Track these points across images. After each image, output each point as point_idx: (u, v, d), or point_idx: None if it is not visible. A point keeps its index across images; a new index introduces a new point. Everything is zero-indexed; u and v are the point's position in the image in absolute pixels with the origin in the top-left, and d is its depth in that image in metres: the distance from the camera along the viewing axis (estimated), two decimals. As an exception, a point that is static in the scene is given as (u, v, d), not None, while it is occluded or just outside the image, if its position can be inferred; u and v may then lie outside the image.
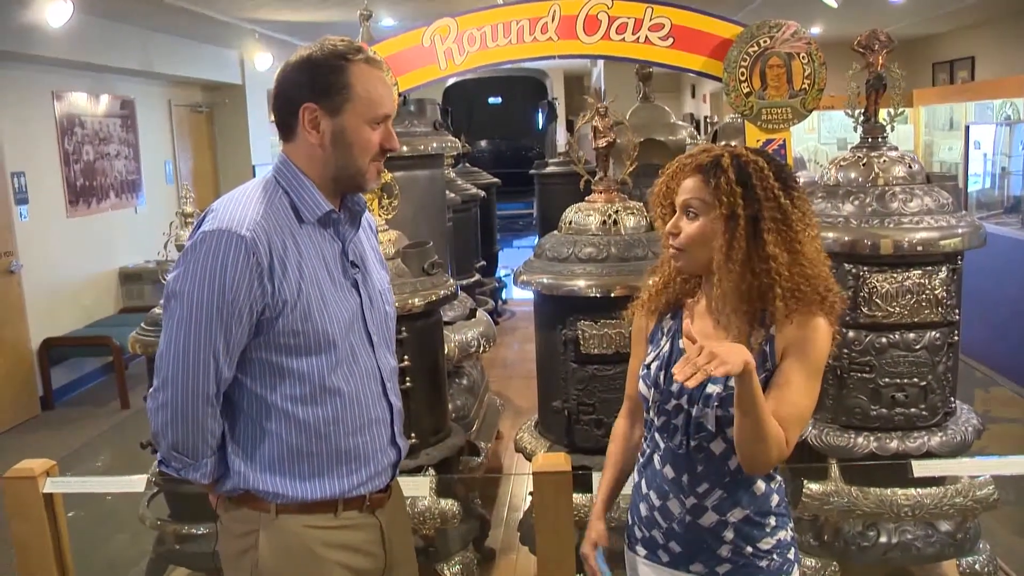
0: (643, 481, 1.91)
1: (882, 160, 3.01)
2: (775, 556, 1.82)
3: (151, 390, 1.79)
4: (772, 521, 1.82)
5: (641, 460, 1.95)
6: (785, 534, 1.85)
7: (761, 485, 1.81)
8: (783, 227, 1.74)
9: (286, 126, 1.81)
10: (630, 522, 1.96)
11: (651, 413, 1.88)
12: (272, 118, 1.87)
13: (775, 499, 1.84)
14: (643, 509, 1.90)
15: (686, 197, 1.79)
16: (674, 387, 1.81)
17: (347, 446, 1.84)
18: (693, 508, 1.81)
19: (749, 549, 1.80)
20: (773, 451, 1.67)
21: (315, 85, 1.75)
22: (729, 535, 1.80)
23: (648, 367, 1.89)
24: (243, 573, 1.85)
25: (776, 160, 1.82)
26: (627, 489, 2.06)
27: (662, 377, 1.84)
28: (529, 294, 3.26)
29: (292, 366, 1.77)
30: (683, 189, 1.80)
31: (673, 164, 1.87)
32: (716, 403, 1.75)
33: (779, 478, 1.86)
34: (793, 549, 1.87)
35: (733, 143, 3.88)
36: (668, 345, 1.87)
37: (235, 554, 1.87)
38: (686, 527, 1.82)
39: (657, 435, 1.88)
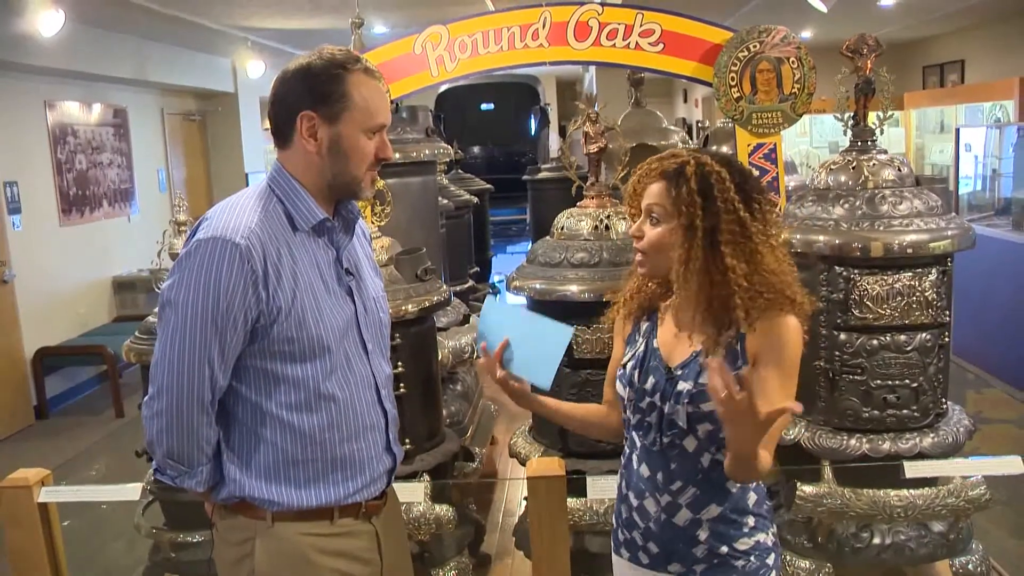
0: (623, 482, 1.93)
1: (871, 163, 3.03)
2: (752, 558, 1.81)
3: (146, 398, 1.79)
4: (750, 521, 1.82)
5: (622, 461, 1.96)
6: (765, 537, 1.84)
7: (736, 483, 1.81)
8: (741, 239, 1.74)
9: (282, 134, 1.82)
10: (614, 525, 1.97)
11: (628, 412, 1.90)
12: (266, 126, 1.88)
13: (752, 497, 1.83)
14: (623, 511, 1.92)
15: (650, 202, 1.81)
16: (648, 384, 1.84)
17: (342, 453, 1.85)
18: (668, 506, 1.82)
19: (724, 549, 1.80)
20: (761, 472, 1.70)
21: (313, 93, 1.76)
22: (703, 535, 1.80)
23: (624, 367, 1.91)
24: (241, 581, 1.86)
25: (741, 170, 1.82)
26: (613, 493, 2.07)
27: (636, 375, 1.86)
28: (522, 299, 3.28)
29: (287, 373, 1.78)
30: (648, 193, 1.82)
31: (643, 166, 1.87)
32: (687, 399, 1.76)
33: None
34: (774, 555, 1.85)
35: (724, 148, 3.88)
36: (643, 345, 1.89)
37: (231, 562, 1.87)
38: (661, 526, 1.83)
39: (634, 433, 1.89)
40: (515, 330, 1.99)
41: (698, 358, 1.78)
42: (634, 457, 1.89)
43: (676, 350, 1.84)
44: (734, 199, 1.74)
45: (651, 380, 1.84)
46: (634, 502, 1.88)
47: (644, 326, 1.93)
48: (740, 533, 1.81)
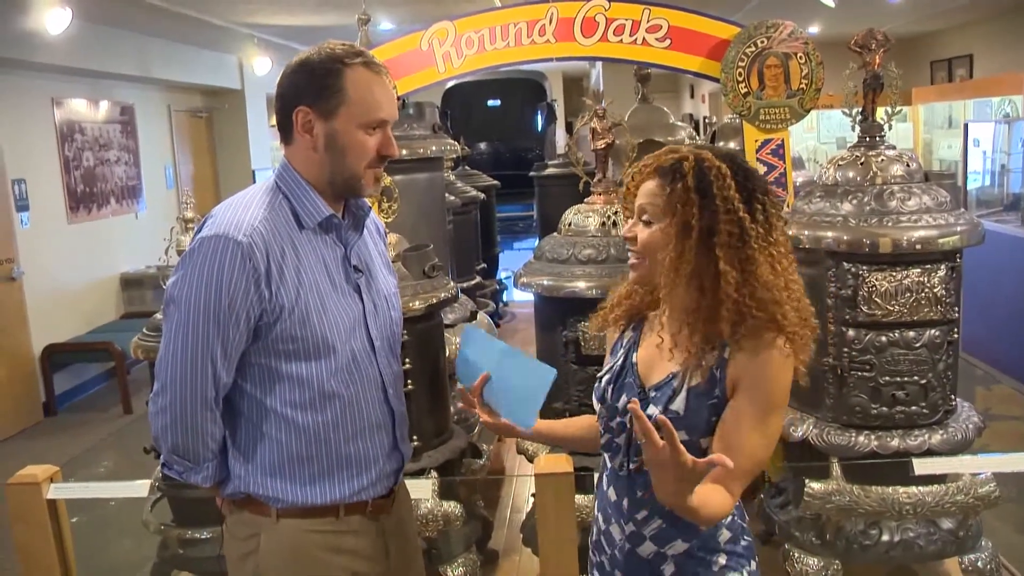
0: (596, 502, 1.84)
1: (880, 159, 3.01)
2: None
3: (151, 394, 1.80)
4: (721, 560, 1.69)
5: (596, 480, 1.88)
6: None
7: None
8: (738, 243, 1.59)
9: (284, 129, 1.82)
10: (589, 548, 1.87)
11: (600, 426, 1.79)
12: (272, 122, 1.88)
13: (725, 534, 1.70)
14: (594, 532, 1.83)
15: (642, 201, 1.67)
16: (620, 403, 1.72)
17: (347, 451, 1.84)
18: (632, 536, 1.71)
19: None
20: (717, 517, 1.59)
21: (310, 88, 1.75)
22: (668, 569, 1.69)
23: (600, 379, 1.80)
24: (246, 576, 1.86)
25: (745, 166, 1.67)
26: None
27: (610, 391, 1.76)
28: (529, 296, 3.27)
29: (291, 371, 1.78)
30: (641, 192, 1.68)
31: (639, 164, 1.73)
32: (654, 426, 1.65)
33: (732, 512, 1.70)
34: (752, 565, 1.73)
35: (732, 144, 3.85)
36: (622, 359, 1.78)
37: (238, 557, 1.87)
38: (626, 555, 1.72)
39: (605, 454, 1.80)
40: (495, 366, 1.85)
41: (673, 381, 1.65)
42: (604, 478, 1.79)
43: (655, 368, 1.71)
44: (734, 197, 1.59)
45: (623, 399, 1.71)
46: (602, 525, 1.78)
47: (628, 336, 1.81)
48: (709, 572, 1.68)
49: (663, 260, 1.64)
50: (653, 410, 1.64)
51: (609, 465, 1.78)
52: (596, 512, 1.83)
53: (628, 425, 1.69)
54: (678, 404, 1.64)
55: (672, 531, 1.68)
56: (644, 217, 1.67)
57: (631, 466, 1.71)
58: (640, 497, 1.69)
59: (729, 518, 1.70)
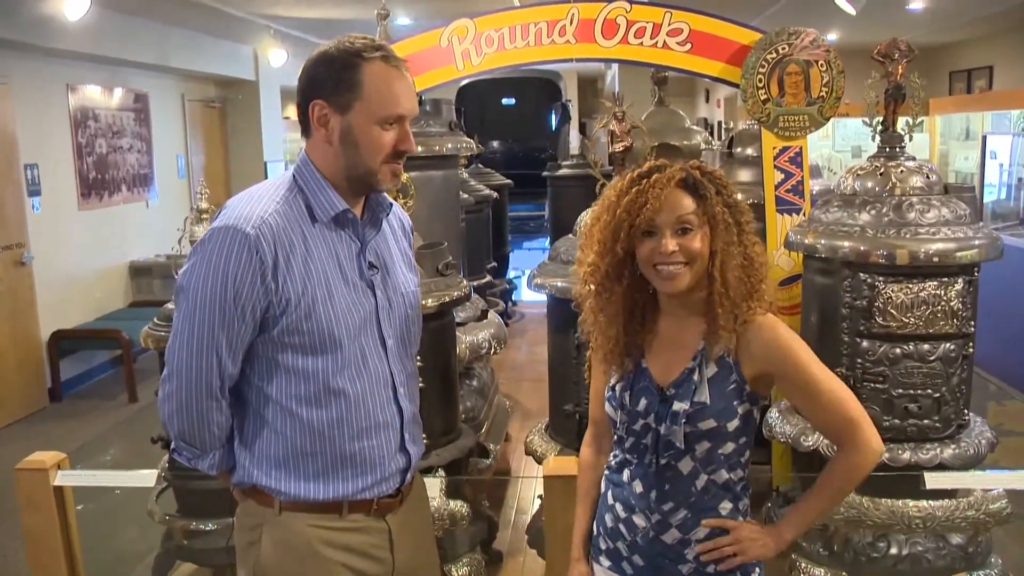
0: (610, 492, 1.91)
1: (900, 170, 2.99)
2: (737, 574, 1.82)
3: (161, 379, 1.81)
4: None
5: (608, 472, 1.94)
6: None
7: (727, 505, 1.81)
8: (746, 229, 1.81)
9: (303, 122, 1.82)
10: (595, 533, 1.96)
11: (620, 432, 1.87)
12: (286, 115, 1.87)
13: (741, 520, 1.83)
14: (608, 520, 1.90)
15: (680, 214, 1.73)
16: (640, 406, 1.81)
17: (351, 449, 1.83)
18: (657, 524, 1.81)
19: (711, 568, 1.80)
20: (872, 454, 1.76)
21: (326, 81, 1.75)
22: (691, 554, 1.80)
23: (613, 388, 1.88)
24: (249, 565, 1.87)
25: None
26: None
27: (628, 397, 1.83)
28: (539, 296, 3.26)
29: (296, 365, 1.77)
30: (670, 207, 1.72)
31: (624, 188, 1.77)
32: (684, 419, 1.75)
33: (746, 499, 1.85)
34: (758, 570, 1.86)
35: (749, 150, 3.83)
36: (633, 365, 1.86)
37: (244, 545, 1.89)
38: (650, 542, 1.82)
39: (627, 455, 1.88)
40: None
41: (692, 376, 1.77)
42: (626, 472, 1.88)
43: (668, 368, 1.81)
44: (735, 192, 1.81)
45: (643, 401, 1.81)
46: (622, 514, 1.87)
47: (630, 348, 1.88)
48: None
49: (714, 260, 1.75)
50: (679, 406, 1.76)
51: (636, 462, 1.85)
52: (611, 502, 1.90)
53: (653, 425, 1.79)
54: (703, 395, 1.76)
55: (697, 519, 1.79)
56: (685, 228, 1.74)
57: (660, 461, 1.79)
58: (667, 489, 1.80)
59: (744, 505, 1.84)
